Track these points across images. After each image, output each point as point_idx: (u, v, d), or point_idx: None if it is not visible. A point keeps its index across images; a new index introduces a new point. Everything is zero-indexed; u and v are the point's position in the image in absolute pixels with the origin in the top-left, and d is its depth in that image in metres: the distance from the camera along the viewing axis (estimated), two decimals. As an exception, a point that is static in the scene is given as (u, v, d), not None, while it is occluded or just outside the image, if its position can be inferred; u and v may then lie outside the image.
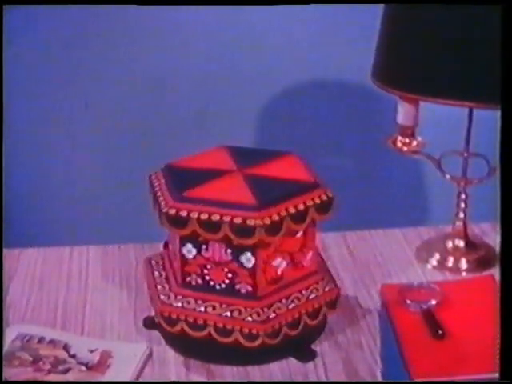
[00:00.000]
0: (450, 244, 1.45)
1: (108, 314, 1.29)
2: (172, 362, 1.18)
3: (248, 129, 1.84)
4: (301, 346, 1.19)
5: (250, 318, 1.12)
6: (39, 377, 1.13)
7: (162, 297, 1.17)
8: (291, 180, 1.16)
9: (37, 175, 1.84)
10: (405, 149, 1.38)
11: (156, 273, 1.23)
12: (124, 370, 1.15)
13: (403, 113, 1.35)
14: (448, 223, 1.46)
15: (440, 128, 1.59)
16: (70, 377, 1.14)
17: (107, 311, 1.30)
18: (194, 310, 1.14)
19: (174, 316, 1.14)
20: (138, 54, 1.76)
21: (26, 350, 1.19)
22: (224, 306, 1.13)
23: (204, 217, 1.09)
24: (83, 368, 1.16)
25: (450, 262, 1.42)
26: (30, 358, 1.17)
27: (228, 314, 1.13)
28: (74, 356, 1.18)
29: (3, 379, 1.09)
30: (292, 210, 1.11)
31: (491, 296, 1.24)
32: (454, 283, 1.36)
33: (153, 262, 1.26)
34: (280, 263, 1.15)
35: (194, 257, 1.14)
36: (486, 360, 1.10)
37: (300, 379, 1.15)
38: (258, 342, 1.12)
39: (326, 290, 1.19)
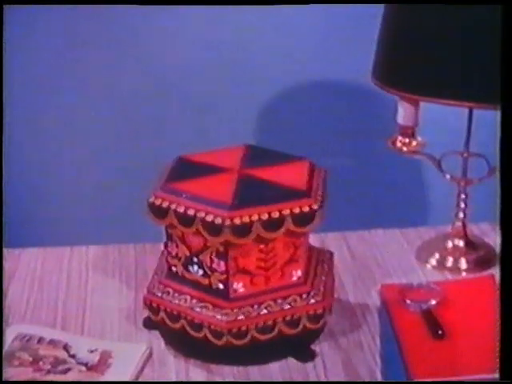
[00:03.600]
0: (449, 244, 1.45)
1: (108, 314, 1.29)
2: (172, 362, 1.18)
3: (247, 129, 1.84)
4: (300, 347, 1.19)
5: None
6: (39, 377, 1.13)
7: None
8: (282, 185, 1.13)
9: (37, 175, 1.84)
10: (405, 149, 1.38)
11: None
12: (124, 370, 1.15)
13: (403, 113, 1.35)
14: (448, 223, 1.46)
15: (440, 128, 1.59)
16: (69, 377, 1.14)
17: (107, 311, 1.30)
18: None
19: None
20: (137, 54, 1.76)
21: (26, 350, 1.19)
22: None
23: (180, 210, 1.10)
24: (83, 368, 1.16)
25: (450, 261, 1.42)
26: (30, 358, 1.17)
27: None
28: (73, 356, 1.18)
29: (3, 379, 1.09)
30: (264, 216, 1.09)
31: (491, 296, 1.24)
32: (453, 283, 1.36)
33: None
34: None
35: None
36: (486, 360, 1.10)
37: (300, 379, 1.15)
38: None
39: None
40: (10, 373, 1.13)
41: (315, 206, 1.11)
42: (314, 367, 1.17)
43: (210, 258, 1.14)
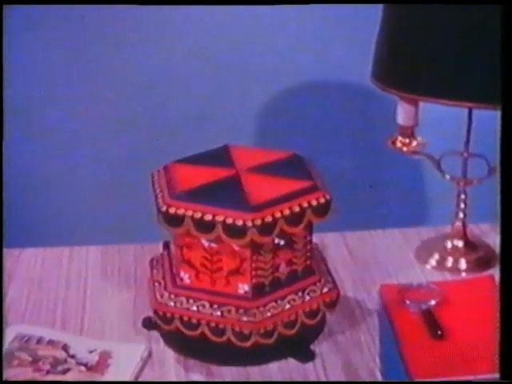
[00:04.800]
0: (449, 244, 1.44)
1: (107, 315, 1.29)
2: (171, 362, 1.18)
3: (248, 129, 1.84)
4: (300, 347, 1.19)
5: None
6: (38, 377, 1.13)
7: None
8: (244, 194, 1.11)
9: (37, 175, 1.84)
10: (405, 149, 1.38)
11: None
12: (123, 370, 1.15)
13: (403, 113, 1.35)
14: (447, 223, 1.46)
15: (440, 128, 1.59)
16: (69, 377, 1.14)
17: (107, 311, 1.30)
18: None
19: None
20: (138, 54, 1.76)
21: (25, 350, 1.19)
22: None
23: (155, 187, 1.17)
24: (82, 368, 1.16)
25: (450, 262, 1.42)
26: (30, 359, 1.17)
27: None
28: (73, 356, 1.18)
29: (3, 379, 1.09)
30: (197, 215, 1.10)
31: (491, 296, 1.24)
32: (453, 283, 1.36)
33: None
34: None
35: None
36: (485, 360, 1.10)
37: (299, 379, 1.15)
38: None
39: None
40: (9, 373, 1.13)
41: (249, 223, 1.07)
42: (313, 367, 1.17)
43: (171, 241, 1.19)
